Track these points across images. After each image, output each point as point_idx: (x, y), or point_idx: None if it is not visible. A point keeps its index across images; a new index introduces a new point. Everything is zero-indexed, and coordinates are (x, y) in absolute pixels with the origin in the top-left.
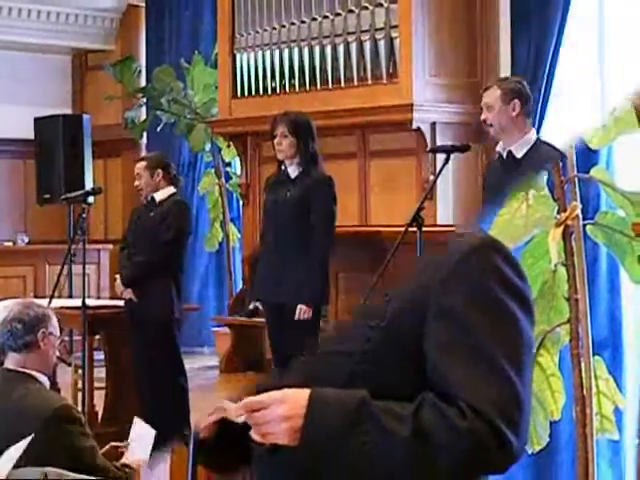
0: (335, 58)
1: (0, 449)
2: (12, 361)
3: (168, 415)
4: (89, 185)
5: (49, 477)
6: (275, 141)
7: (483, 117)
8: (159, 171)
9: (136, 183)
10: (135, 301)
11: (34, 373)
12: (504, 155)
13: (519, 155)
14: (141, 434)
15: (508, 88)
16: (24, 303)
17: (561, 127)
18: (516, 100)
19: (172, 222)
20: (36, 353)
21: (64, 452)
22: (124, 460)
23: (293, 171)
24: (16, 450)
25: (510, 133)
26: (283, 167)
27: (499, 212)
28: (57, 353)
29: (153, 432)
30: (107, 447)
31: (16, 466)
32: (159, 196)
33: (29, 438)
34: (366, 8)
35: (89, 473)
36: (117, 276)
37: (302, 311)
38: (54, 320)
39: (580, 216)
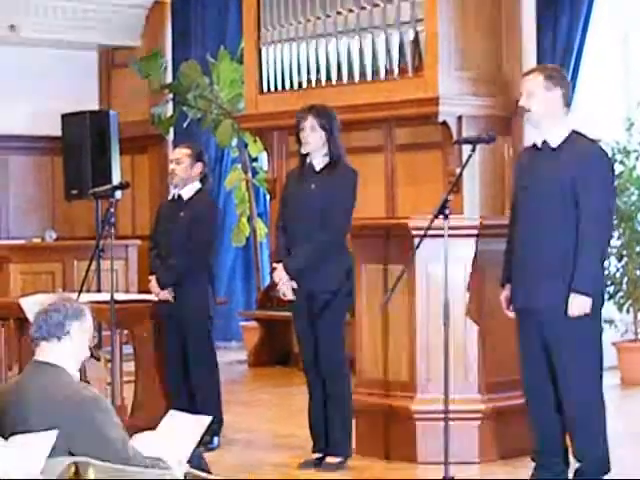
0: (361, 52)
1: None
2: (44, 351)
3: (201, 409)
4: (116, 181)
5: (80, 467)
6: (303, 134)
7: (522, 103)
8: (200, 164)
9: (172, 167)
10: (172, 302)
11: (64, 365)
12: (539, 144)
13: (555, 145)
14: (179, 428)
15: (551, 75)
16: (62, 296)
17: (587, 117)
18: (558, 88)
19: (205, 224)
20: (67, 345)
21: (95, 442)
22: (153, 452)
23: (318, 164)
24: (47, 440)
25: (548, 121)
26: (308, 160)
27: None
28: (88, 351)
29: (200, 428)
30: (133, 439)
31: (48, 456)
32: (186, 193)
33: (58, 431)
34: (391, 2)
35: (120, 463)
36: (151, 277)
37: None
38: (89, 317)
39: None
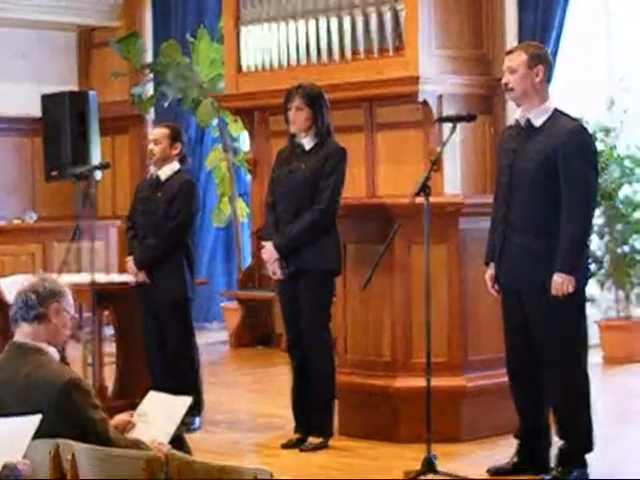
0: (341, 31)
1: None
2: (23, 332)
3: (180, 391)
4: (96, 161)
5: (61, 449)
6: (290, 114)
7: (505, 80)
8: (178, 144)
9: (151, 147)
10: (149, 283)
11: (44, 346)
12: (522, 123)
13: (537, 123)
14: (159, 409)
15: (534, 53)
16: (43, 277)
17: (568, 95)
18: (540, 66)
19: (182, 204)
20: (47, 326)
21: (75, 424)
22: (134, 433)
23: (307, 143)
24: (31, 424)
25: (530, 99)
26: (297, 139)
27: None
28: (68, 332)
29: (181, 409)
30: (113, 420)
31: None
32: (164, 173)
33: (41, 415)
34: None
35: (100, 444)
36: (129, 258)
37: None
38: (69, 298)
39: None
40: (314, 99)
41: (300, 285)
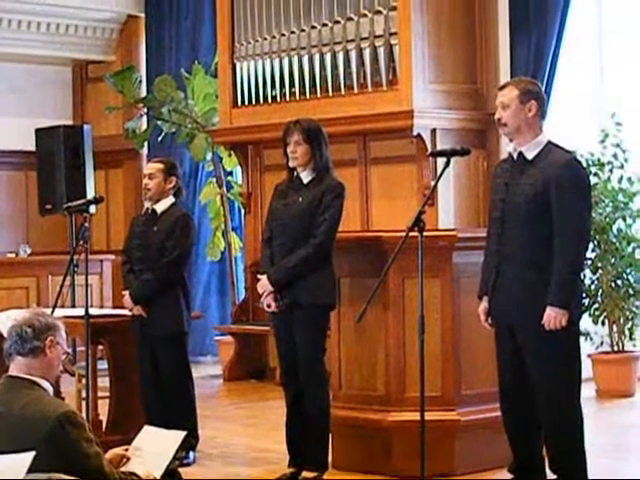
0: (335, 66)
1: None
2: (17, 366)
3: (175, 425)
4: (90, 195)
5: None
6: (289, 149)
7: (497, 116)
8: (173, 178)
9: (145, 182)
10: (145, 317)
11: (38, 380)
12: (515, 156)
13: (530, 157)
14: (154, 443)
15: (526, 89)
16: (37, 311)
17: (561, 129)
18: (533, 101)
19: (179, 239)
20: (41, 359)
21: (69, 457)
22: (128, 467)
23: (306, 177)
24: (24, 460)
25: (523, 134)
26: (295, 173)
27: None
28: (61, 367)
29: (175, 443)
30: (108, 454)
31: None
32: (160, 207)
33: (35, 450)
34: (365, 15)
35: (94, 478)
36: (125, 292)
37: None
38: (63, 332)
39: None
40: (312, 134)
41: (295, 319)
